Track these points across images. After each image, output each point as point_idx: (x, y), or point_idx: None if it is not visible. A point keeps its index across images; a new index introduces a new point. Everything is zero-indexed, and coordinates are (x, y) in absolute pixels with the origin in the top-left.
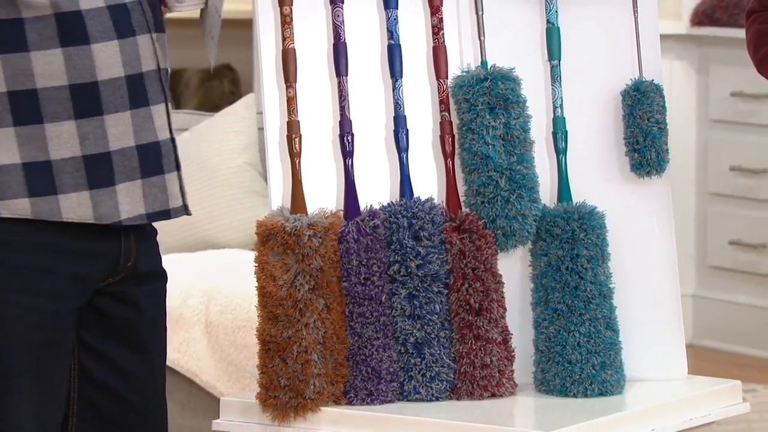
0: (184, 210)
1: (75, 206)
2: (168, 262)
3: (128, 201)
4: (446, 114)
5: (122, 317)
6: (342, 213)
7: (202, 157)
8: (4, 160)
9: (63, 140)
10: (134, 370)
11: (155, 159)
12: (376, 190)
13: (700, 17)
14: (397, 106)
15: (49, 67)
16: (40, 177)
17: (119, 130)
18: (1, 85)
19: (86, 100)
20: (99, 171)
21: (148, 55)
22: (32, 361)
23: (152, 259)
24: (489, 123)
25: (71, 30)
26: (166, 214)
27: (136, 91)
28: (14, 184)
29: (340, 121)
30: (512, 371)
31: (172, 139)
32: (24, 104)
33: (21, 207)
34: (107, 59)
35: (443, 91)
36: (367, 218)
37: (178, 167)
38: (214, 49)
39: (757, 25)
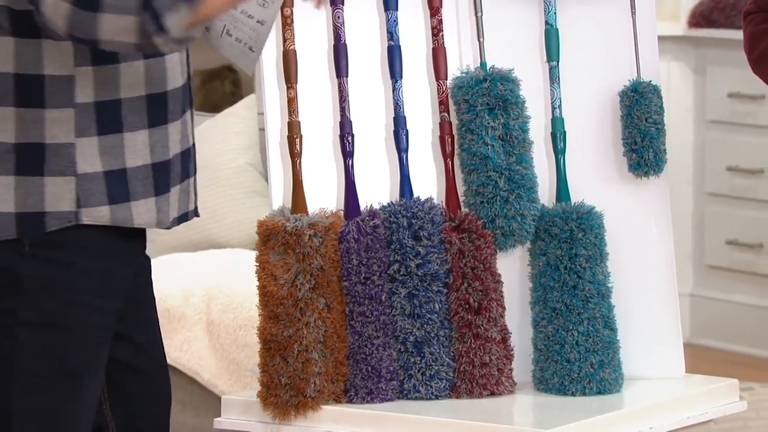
0: (195, 212)
1: (143, 213)
2: (170, 261)
3: (174, 206)
4: (446, 115)
5: (132, 298)
6: (342, 213)
7: (203, 157)
8: (87, 168)
9: (138, 149)
10: (148, 343)
11: (188, 164)
12: (376, 190)
13: (698, 19)
14: (397, 106)
15: (133, 78)
16: (117, 185)
17: (175, 138)
18: (89, 95)
19: (158, 109)
20: (162, 178)
21: (185, 63)
22: (94, 360)
23: None
24: (488, 124)
25: None
26: (186, 217)
27: (185, 99)
28: (96, 192)
29: (340, 122)
30: (511, 370)
31: (194, 144)
32: (108, 114)
33: (101, 214)
34: (173, 69)
35: (443, 92)
36: (367, 218)
37: (196, 170)
38: (255, 61)
39: (752, 27)
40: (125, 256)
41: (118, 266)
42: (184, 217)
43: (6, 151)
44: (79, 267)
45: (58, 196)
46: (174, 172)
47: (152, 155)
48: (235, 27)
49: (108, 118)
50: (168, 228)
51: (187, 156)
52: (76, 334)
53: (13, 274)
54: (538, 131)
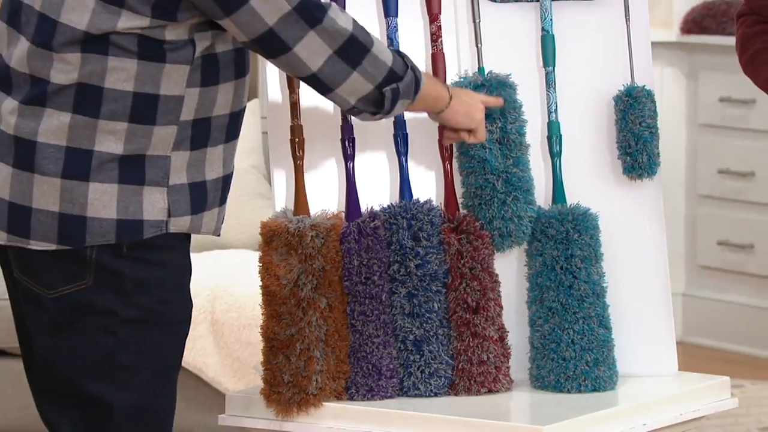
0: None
1: (208, 221)
2: None
3: (224, 215)
4: None
5: None
6: (343, 214)
7: None
8: (176, 180)
9: (214, 162)
10: None
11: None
12: (377, 193)
13: (690, 25)
14: None
15: (225, 98)
16: (198, 196)
17: (235, 153)
18: (191, 114)
19: (234, 126)
20: (226, 189)
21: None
22: (180, 354)
23: None
24: (486, 127)
25: (242, 63)
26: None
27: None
28: (182, 202)
29: (341, 126)
30: (508, 368)
31: None
32: (201, 131)
33: (183, 223)
34: (246, 89)
35: None
36: (367, 219)
37: None
38: None
39: (744, 29)
40: (189, 254)
41: (189, 265)
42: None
43: (111, 161)
44: (168, 266)
45: (153, 204)
46: (231, 184)
47: (224, 168)
48: None
49: (200, 134)
50: (218, 235)
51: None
52: (169, 330)
53: (113, 274)
54: (534, 135)
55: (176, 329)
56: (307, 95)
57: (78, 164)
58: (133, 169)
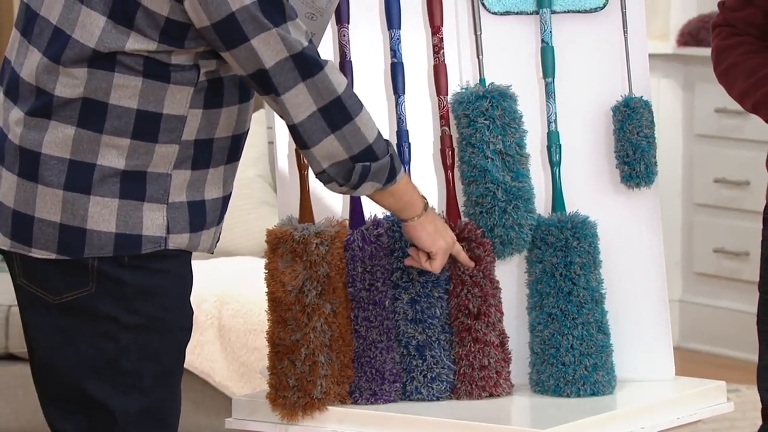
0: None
1: (206, 239)
2: None
3: (220, 233)
4: (446, 128)
5: None
6: (348, 222)
7: None
8: (175, 198)
9: (215, 183)
10: None
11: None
12: None
13: (686, 38)
14: (400, 120)
15: (228, 121)
16: (197, 215)
17: (235, 174)
18: (192, 134)
19: (235, 148)
20: (224, 208)
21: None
22: (182, 359)
23: None
24: (488, 138)
25: (246, 88)
26: (218, 238)
27: None
28: (181, 220)
29: None
30: (509, 372)
31: None
32: (203, 151)
33: (182, 240)
34: (249, 113)
35: (444, 107)
36: (371, 227)
37: None
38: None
39: (718, 41)
40: (190, 265)
41: (190, 275)
42: (216, 243)
43: (113, 175)
44: (169, 274)
45: (153, 220)
46: (228, 204)
47: (224, 189)
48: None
49: (202, 155)
50: (212, 252)
51: None
52: (170, 336)
53: (115, 281)
54: (534, 145)
55: (177, 336)
56: None
57: (80, 177)
58: (134, 185)
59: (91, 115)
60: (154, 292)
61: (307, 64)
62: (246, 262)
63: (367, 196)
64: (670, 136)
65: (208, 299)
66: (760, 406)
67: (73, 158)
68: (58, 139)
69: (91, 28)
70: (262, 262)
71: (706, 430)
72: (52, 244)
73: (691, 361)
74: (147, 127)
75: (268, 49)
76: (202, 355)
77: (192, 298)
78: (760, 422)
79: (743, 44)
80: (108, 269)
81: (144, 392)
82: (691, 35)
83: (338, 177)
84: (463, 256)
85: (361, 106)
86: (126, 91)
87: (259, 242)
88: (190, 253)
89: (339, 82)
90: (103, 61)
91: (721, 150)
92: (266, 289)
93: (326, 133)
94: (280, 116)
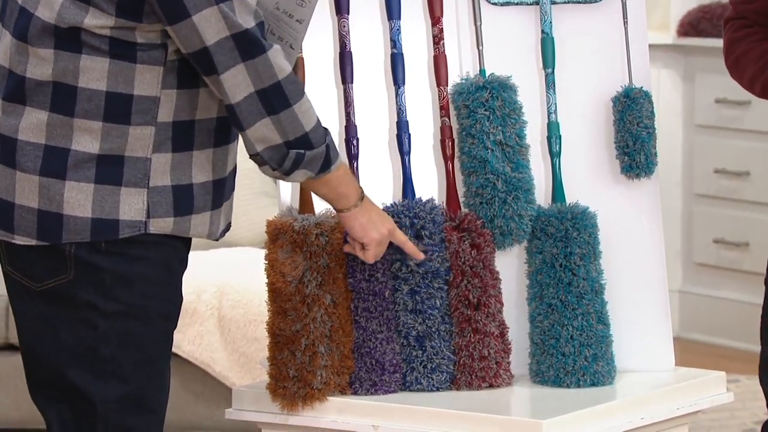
0: (229, 226)
1: (198, 224)
2: None
3: (223, 218)
4: (446, 119)
5: None
6: None
7: None
8: (158, 182)
9: (203, 166)
10: None
11: (234, 179)
12: (380, 191)
13: (686, 28)
14: (400, 111)
15: (208, 102)
16: (183, 198)
17: (232, 157)
18: (169, 116)
19: (223, 131)
20: (218, 194)
21: None
22: (166, 346)
23: None
24: (488, 129)
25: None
26: (228, 227)
27: None
28: (164, 204)
29: (345, 126)
30: (509, 363)
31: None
32: (183, 134)
33: (165, 225)
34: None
35: (444, 98)
36: None
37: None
38: (294, 57)
39: (730, 33)
40: (181, 252)
41: (177, 262)
42: (227, 228)
43: (88, 160)
44: (151, 261)
45: (131, 205)
46: (228, 187)
47: (214, 173)
48: (277, 26)
49: (182, 137)
50: (216, 239)
51: (235, 172)
52: (152, 324)
53: (92, 268)
54: (534, 135)
55: (159, 323)
56: (312, 96)
57: (55, 162)
58: (110, 169)
59: (62, 98)
60: (132, 279)
61: (248, 44)
62: (246, 253)
63: (301, 183)
64: (670, 126)
65: (208, 289)
66: (760, 396)
67: (48, 143)
68: (32, 125)
69: (52, 4)
70: (263, 252)
71: (706, 420)
72: (32, 230)
73: (690, 352)
74: (118, 109)
75: (209, 26)
76: (202, 345)
77: (192, 289)
78: (759, 412)
79: (753, 34)
80: (85, 255)
81: (124, 379)
82: (691, 26)
83: (271, 161)
84: (408, 246)
85: (302, 94)
86: (94, 73)
87: (260, 233)
88: (183, 239)
89: (282, 68)
90: (69, 41)
91: (721, 140)
92: (266, 280)
93: (262, 115)
94: (220, 97)
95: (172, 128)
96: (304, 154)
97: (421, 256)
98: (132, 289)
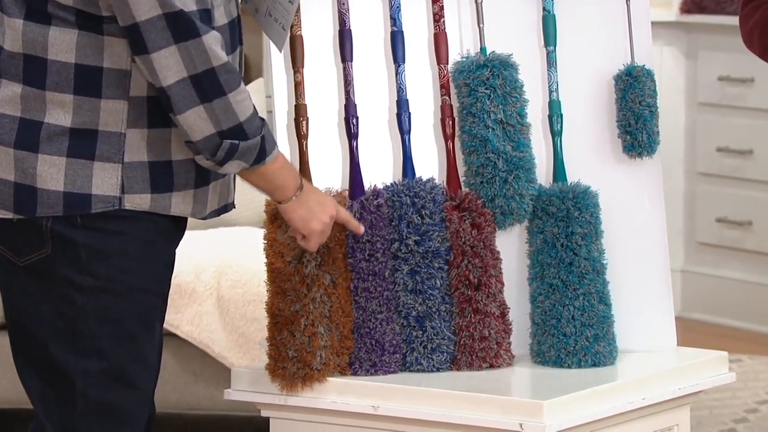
0: (233, 205)
1: (180, 202)
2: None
3: (213, 198)
4: (447, 98)
5: None
6: (347, 192)
7: None
8: (133, 157)
9: (183, 144)
10: None
11: None
12: (380, 171)
13: (689, 5)
14: (400, 90)
15: None
16: (161, 175)
17: None
18: (142, 90)
19: None
20: (202, 172)
21: (239, 64)
22: (149, 323)
23: None
24: (488, 107)
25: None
26: (225, 209)
27: None
28: (140, 180)
29: (345, 105)
30: (509, 343)
31: None
32: (159, 109)
33: (142, 201)
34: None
35: (444, 76)
36: (371, 197)
37: None
38: (285, 38)
39: (744, 12)
40: (165, 228)
41: (162, 238)
42: (223, 209)
43: (60, 134)
44: (129, 235)
45: (104, 180)
46: None
47: None
48: (274, 7)
49: (158, 113)
50: (204, 218)
51: None
52: (130, 298)
53: (68, 243)
54: (535, 114)
55: (139, 298)
56: (311, 75)
57: (28, 135)
58: (83, 143)
59: (34, 71)
60: (109, 254)
61: (181, 26)
62: (245, 233)
63: (237, 174)
64: (673, 104)
65: (207, 269)
66: (762, 375)
67: (23, 116)
68: (8, 98)
69: None
70: (261, 232)
71: (708, 400)
72: (9, 203)
73: (693, 332)
74: (88, 82)
75: (141, 2)
76: (201, 325)
77: (191, 269)
78: (761, 392)
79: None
80: (62, 230)
81: (103, 355)
82: (694, 2)
83: (205, 151)
84: (352, 224)
85: (238, 83)
86: (62, 45)
87: (258, 212)
88: (170, 216)
89: (217, 55)
90: (38, 13)
91: (724, 118)
92: (265, 260)
93: (195, 103)
94: (149, 79)
95: (146, 103)
96: (238, 144)
97: (362, 230)
98: (109, 264)
